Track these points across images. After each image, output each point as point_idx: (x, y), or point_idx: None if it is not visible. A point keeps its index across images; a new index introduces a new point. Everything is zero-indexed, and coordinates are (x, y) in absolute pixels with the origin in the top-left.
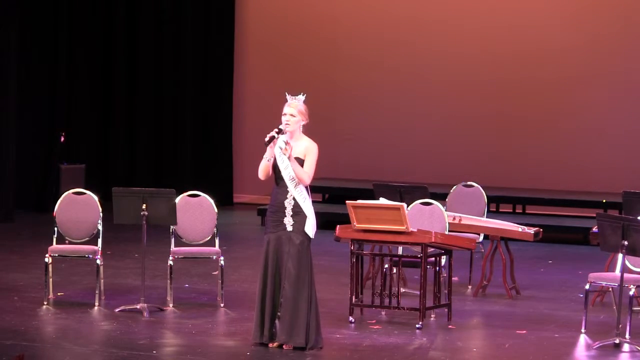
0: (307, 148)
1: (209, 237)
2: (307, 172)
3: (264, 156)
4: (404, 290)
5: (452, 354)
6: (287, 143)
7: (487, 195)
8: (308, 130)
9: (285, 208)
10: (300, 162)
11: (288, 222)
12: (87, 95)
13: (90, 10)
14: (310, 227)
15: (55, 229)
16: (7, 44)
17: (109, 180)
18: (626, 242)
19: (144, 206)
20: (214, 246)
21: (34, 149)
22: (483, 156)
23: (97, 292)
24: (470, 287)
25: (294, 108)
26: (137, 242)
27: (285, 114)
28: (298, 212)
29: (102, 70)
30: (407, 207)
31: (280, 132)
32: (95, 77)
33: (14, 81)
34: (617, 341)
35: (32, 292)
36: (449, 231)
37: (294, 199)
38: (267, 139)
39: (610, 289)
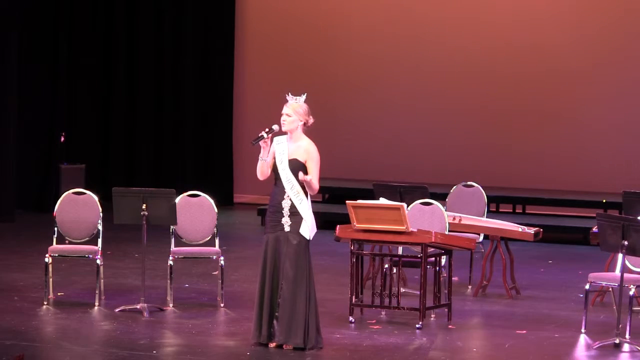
0: (308, 152)
1: (209, 237)
2: (315, 184)
3: (260, 156)
4: (404, 290)
5: (452, 354)
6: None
7: (487, 195)
8: (309, 130)
9: (282, 208)
10: (299, 163)
11: (286, 222)
12: (87, 95)
13: (91, 10)
14: (307, 229)
15: (55, 229)
16: (7, 44)
17: (109, 180)
18: (626, 242)
19: (144, 206)
20: (214, 246)
21: (34, 149)
22: (483, 156)
23: (97, 292)
24: (470, 287)
25: (290, 108)
26: (137, 242)
27: (282, 114)
28: (296, 213)
29: (102, 70)
30: (407, 207)
31: (270, 131)
32: (95, 77)
33: (14, 81)
34: (617, 341)
35: (32, 292)
36: (449, 231)
37: (291, 199)
38: (258, 137)
39: (610, 289)
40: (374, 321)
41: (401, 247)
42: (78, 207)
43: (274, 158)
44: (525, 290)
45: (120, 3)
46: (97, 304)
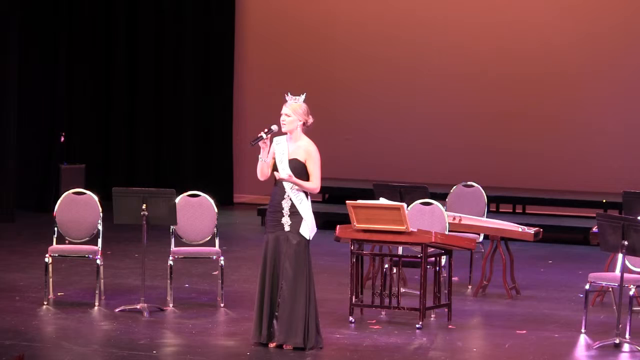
0: (308, 152)
1: (209, 237)
2: (315, 183)
3: (259, 157)
4: (404, 290)
5: (452, 354)
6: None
7: (487, 195)
8: (308, 130)
9: (282, 208)
10: (299, 164)
11: (286, 222)
12: (87, 95)
13: (91, 10)
14: (307, 229)
15: (55, 229)
16: (7, 44)
17: (109, 180)
18: (626, 242)
19: (144, 206)
20: (214, 246)
21: (34, 149)
22: (483, 156)
23: (97, 292)
24: (470, 287)
25: (290, 108)
26: (137, 242)
27: (281, 114)
28: (295, 212)
29: (102, 70)
30: (407, 207)
31: (269, 132)
32: (95, 77)
33: (14, 81)
34: (617, 341)
35: (32, 292)
36: (449, 231)
37: (291, 199)
38: (257, 137)
39: (610, 289)
40: (374, 321)
41: (401, 247)
42: (78, 207)
43: (274, 158)
44: (525, 290)
45: (120, 3)
46: (97, 304)
